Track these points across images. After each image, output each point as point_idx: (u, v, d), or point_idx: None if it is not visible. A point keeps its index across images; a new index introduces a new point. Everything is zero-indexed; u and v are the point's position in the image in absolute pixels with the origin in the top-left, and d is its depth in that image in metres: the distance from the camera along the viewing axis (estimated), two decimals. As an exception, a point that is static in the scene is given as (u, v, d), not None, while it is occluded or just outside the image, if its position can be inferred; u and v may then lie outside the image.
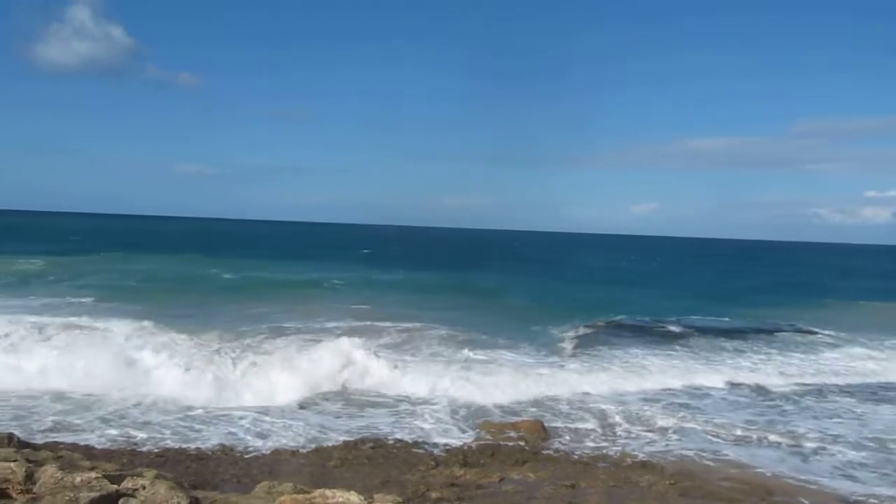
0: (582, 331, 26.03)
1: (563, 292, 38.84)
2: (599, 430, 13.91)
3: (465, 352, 19.96)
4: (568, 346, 22.96)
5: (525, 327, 25.54)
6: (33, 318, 20.64)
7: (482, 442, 12.73)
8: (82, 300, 26.59)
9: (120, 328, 19.40)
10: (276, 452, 11.61)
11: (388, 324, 24.18)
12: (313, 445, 12.09)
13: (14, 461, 6.35)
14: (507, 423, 13.98)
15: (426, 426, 13.48)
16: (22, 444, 8.95)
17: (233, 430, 12.77)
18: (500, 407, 15.31)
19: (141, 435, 12.15)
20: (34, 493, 5.99)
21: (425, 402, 15.22)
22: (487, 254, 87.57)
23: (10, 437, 9.32)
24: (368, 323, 24.35)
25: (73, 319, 21.01)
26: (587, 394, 16.64)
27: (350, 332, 20.30)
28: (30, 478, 6.11)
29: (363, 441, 12.33)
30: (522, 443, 12.76)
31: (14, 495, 5.98)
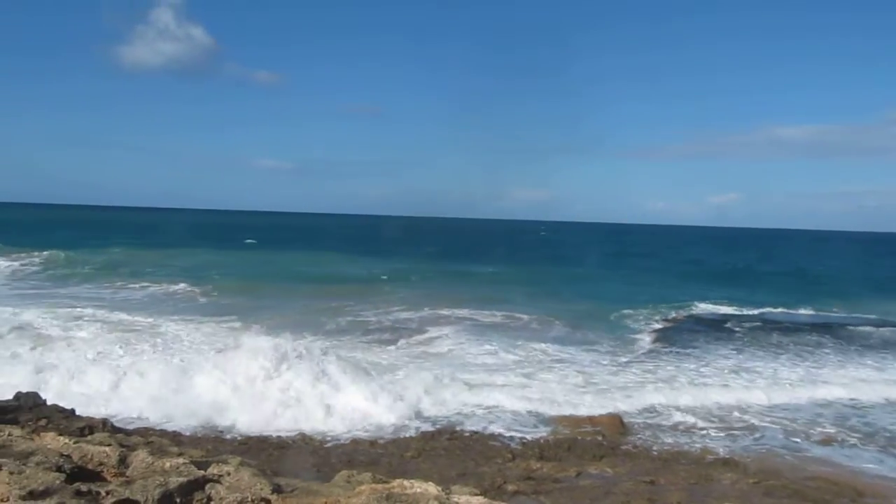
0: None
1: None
2: (679, 426, 13.61)
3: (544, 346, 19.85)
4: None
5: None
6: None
7: (559, 436, 12.63)
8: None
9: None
10: (355, 442, 11.80)
11: (480, 316, 24.37)
12: (391, 436, 12.23)
13: (108, 445, 6.62)
14: (583, 417, 13.83)
15: (502, 419, 13.44)
16: (115, 430, 9.34)
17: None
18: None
19: (224, 423, 12.51)
20: (127, 477, 6.25)
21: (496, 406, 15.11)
22: (571, 246, 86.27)
23: (105, 422, 9.76)
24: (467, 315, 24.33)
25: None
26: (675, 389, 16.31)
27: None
28: (123, 461, 6.37)
29: (440, 432, 12.41)
30: (600, 437, 12.61)
31: (109, 478, 6.26)
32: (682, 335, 23.91)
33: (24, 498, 5.18)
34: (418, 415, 13.43)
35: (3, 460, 5.70)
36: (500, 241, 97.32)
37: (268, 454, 10.80)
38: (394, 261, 48.81)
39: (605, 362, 18.90)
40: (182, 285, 30.19)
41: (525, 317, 25.51)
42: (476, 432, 12.57)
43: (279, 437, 11.93)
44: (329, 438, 11.99)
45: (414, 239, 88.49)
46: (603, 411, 14.26)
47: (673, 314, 27.91)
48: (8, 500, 5.29)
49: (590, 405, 14.74)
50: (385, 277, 37.82)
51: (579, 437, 12.49)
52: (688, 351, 21.05)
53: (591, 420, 13.62)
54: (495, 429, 12.73)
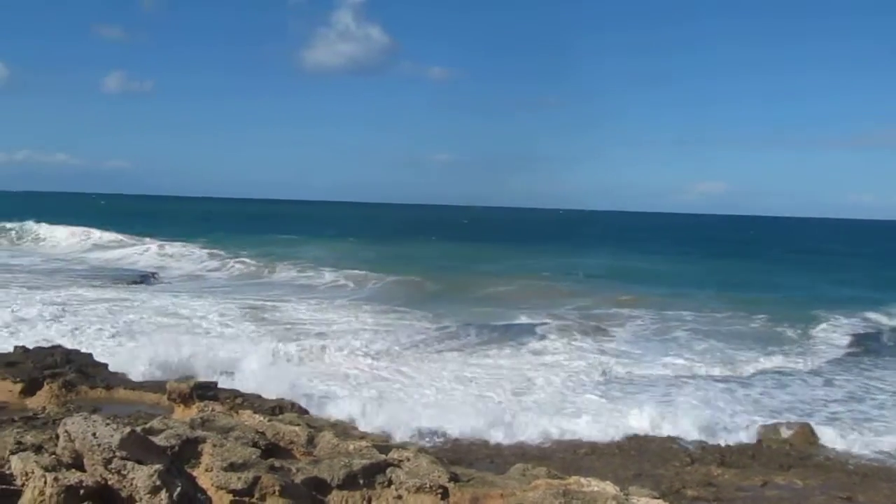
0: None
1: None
2: (879, 442, 12.39)
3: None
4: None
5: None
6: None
7: (742, 441, 11.94)
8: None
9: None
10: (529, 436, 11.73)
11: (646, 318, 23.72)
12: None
13: (298, 425, 7.02)
14: (768, 424, 12.99)
15: (681, 421, 12.88)
16: (302, 411, 9.90)
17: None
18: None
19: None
20: (314, 456, 6.60)
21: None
22: (747, 240, 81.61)
23: (293, 403, 10.38)
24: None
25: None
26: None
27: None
28: (311, 441, 6.73)
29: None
30: (787, 446, 11.78)
31: (298, 456, 6.64)
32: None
33: (225, 469, 5.59)
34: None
35: (208, 433, 6.18)
36: (684, 234, 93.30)
37: (443, 442, 10.99)
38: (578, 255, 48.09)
39: (797, 367, 17.70)
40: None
41: (718, 315, 24.45)
42: (654, 433, 12.12)
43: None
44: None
45: (602, 233, 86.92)
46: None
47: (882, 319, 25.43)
48: (211, 469, 5.73)
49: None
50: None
51: (765, 445, 11.74)
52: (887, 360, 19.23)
53: (775, 427, 12.77)
54: (674, 431, 12.21)
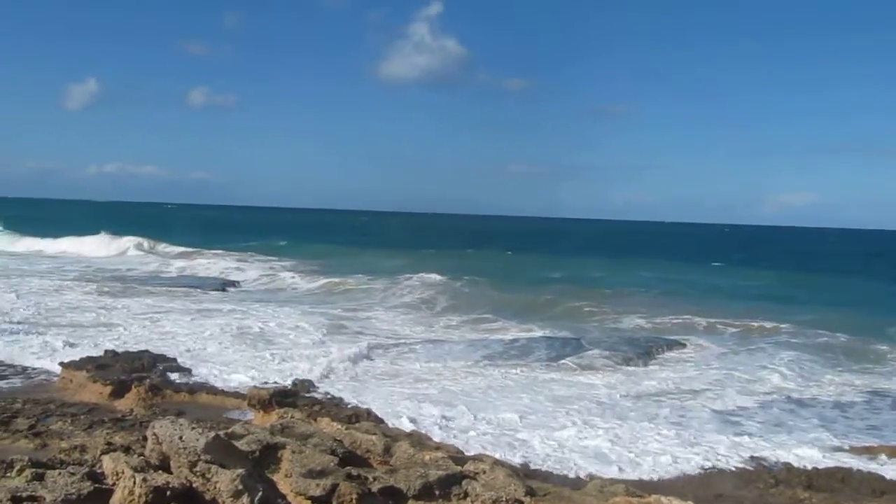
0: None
1: None
2: None
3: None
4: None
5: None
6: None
7: (832, 464, 11.42)
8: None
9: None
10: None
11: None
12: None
13: (374, 434, 7.07)
14: (862, 445, 12.40)
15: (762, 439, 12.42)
16: (378, 420, 9.96)
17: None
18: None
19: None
20: (391, 465, 6.63)
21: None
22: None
23: (368, 411, 10.46)
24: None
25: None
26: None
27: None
28: (387, 450, 6.77)
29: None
30: (883, 471, 11.19)
31: (374, 465, 6.68)
32: None
33: (304, 475, 5.66)
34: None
35: (287, 440, 6.29)
36: (771, 248, 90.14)
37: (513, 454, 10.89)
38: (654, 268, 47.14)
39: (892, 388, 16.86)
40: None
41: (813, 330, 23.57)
42: (733, 452, 11.72)
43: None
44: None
45: (680, 244, 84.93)
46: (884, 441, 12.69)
47: None
48: (291, 475, 5.82)
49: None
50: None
51: (856, 468, 11.19)
52: None
53: (867, 450, 12.17)
54: (756, 450, 11.78)
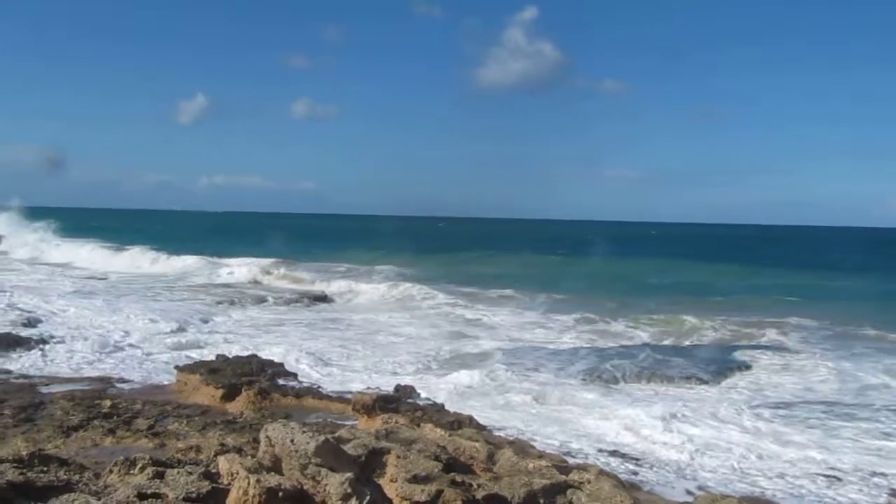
0: None
1: None
2: None
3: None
4: None
5: None
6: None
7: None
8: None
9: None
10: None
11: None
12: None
13: (477, 441, 7.07)
14: None
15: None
16: (480, 427, 9.96)
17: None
18: None
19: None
20: (494, 473, 6.61)
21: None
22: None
23: (470, 418, 10.47)
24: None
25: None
26: None
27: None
28: (491, 458, 6.75)
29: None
30: None
31: (478, 472, 6.68)
32: None
33: (409, 481, 5.72)
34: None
35: (392, 445, 6.36)
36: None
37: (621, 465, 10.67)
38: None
39: None
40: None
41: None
42: (840, 470, 11.07)
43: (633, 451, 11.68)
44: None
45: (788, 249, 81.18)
46: None
47: None
48: (396, 480, 5.89)
49: None
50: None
51: None
52: None
53: None
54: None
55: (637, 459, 10.94)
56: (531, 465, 6.45)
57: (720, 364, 18.53)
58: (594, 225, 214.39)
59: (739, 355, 19.80)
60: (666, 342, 21.84)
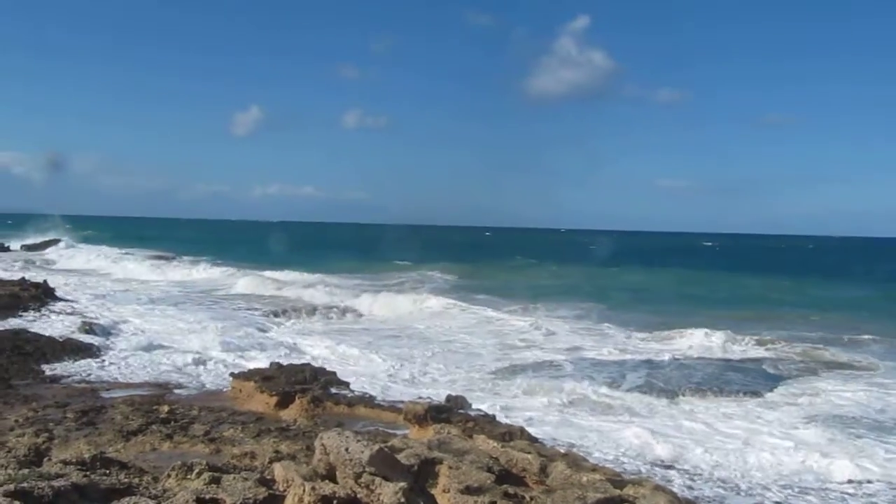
0: None
1: None
2: None
3: None
4: None
5: None
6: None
7: None
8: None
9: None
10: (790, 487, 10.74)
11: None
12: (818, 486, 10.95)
13: (529, 453, 7.02)
14: None
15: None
16: (532, 439, 9.88)
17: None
18: None
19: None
20: (547, 485, 6.54)
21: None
22: None
23: (522, 430, 10.40)
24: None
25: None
26: None
27: None
28: (543, 470, 6.69)
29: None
30: None
31: (530, 484, 6.62)
32: None
33: (461, 492, 5.70)
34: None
35: (444, 455, 6.36)
36: None
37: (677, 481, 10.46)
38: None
39: None
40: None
41: None
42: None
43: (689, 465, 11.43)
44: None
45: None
46: None
47: None
48: (448, 491, 5.88)
49: None
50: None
51: None
52: None
53: None
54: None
55: (693, 474, 10.71)
56: (585, 479, 6.37)
57: (777, 379, 18.10)
58: (645, 236, 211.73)
59: (799, 370, 19.30)
60: (721, 356, 21.36)
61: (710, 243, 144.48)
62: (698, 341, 23.21)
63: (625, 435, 12.37)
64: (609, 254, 77.83)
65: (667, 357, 20.63)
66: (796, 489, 10.39)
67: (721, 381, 17.41)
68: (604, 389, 16.14)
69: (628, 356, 20.85)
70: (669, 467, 10.95)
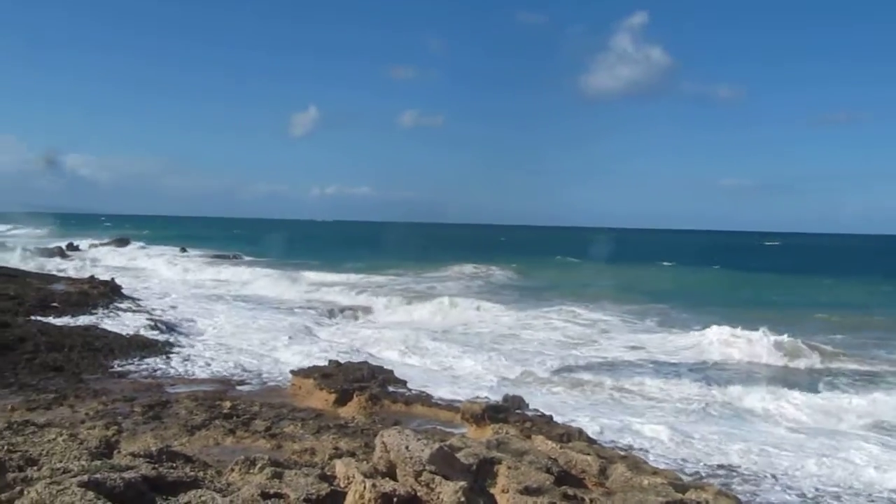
0: None
1: None
2: None
3: None
4: None
5: None
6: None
7: None
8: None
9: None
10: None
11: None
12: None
13: (588, 455, 6.95)
14: None
15: None
16: (590, 440, 9.79)
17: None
18: None
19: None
20: (607, 488, 6.47)
21: None
22: None
23: (580, 431, 10.31)
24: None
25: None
26: None
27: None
28: (603, 472, 6.62)
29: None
30: None
31: (590, 486, 6.56)
32: None
33: (520, 492, 5.68)
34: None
35: (503, 455, 6.34)
36: None
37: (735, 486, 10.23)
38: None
39: None
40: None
41: None
42: None
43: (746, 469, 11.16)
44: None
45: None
46: None
47: None
48: (507, 491, 5.86)
49: None
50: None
51: None
52: None
53: None
54: None
55: (757, 479, 10.46)
56: (645, 482, 6.28)
57: (845, 384, 17.56)
58: (706, 235, 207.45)
59: (866, 375, 18.67)
60: (785, 360, 20.76)
61: (778, 243, 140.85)
62: (765, 344, 22.60)
63: (685, 438, 12.16)
64: (671, 253, 76.49)
65: (729, 358, 20.23)
66: (869, 500, 10.06)
67: (786, 385, 16.94)
68: (663, 388, 15.93)
69: (689, 357, 20.52)
70: (732, 472, 10.72)
